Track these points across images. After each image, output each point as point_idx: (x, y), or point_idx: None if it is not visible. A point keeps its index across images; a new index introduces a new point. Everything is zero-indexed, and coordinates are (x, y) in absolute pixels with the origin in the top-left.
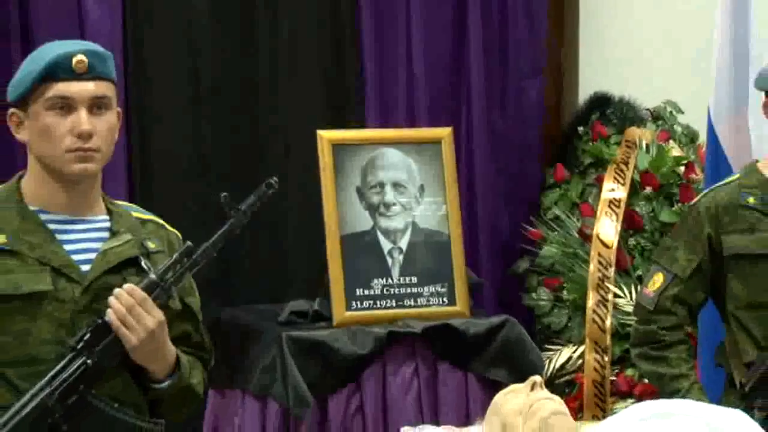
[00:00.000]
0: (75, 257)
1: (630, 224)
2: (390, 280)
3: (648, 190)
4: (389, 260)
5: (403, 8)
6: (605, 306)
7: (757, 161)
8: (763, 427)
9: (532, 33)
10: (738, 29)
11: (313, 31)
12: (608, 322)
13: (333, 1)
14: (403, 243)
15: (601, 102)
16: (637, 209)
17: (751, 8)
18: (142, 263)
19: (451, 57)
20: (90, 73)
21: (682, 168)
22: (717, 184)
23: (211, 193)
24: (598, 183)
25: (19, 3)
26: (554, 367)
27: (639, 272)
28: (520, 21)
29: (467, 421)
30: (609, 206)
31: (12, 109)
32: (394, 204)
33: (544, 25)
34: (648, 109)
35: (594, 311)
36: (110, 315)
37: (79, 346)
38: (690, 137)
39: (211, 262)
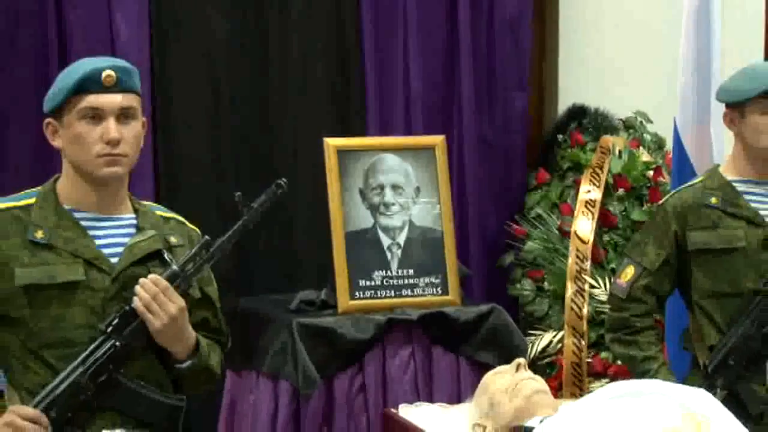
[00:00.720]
0: (105, 251)
1: (604, 222)
2: (389, 272)
3: (620, 191)
4: (388, 254)
5: (401, 30)
6: (582, 295)
7: (718, 165)
8: (723, 404)
9: (516, 51)
10: (701, 47)
11: (322, 50)
12: (585, 310)
13: (339, 24)
14: (401, 239)
15: (578, 113)
16: (611, 209)
17: (714, 28)
18: (165, 256)
19: (444, 72)
20: (118, 87)
21: (651, 172)
22: (682, 186)
23: (227, 194)
24: (576, 185)
25: (57, 26)
26: (536, 350)
27: (612, 265)
28: (506, 41)
29: (459, 399)
30: (585, 206)
31: (48, 119)
32: (393, 204)
33: (527, 45)
34: (620, 119)
35: (572, 300)
36: (136, 302)
37: (108, 330)
38: (658, 144)
39: (229, 255)
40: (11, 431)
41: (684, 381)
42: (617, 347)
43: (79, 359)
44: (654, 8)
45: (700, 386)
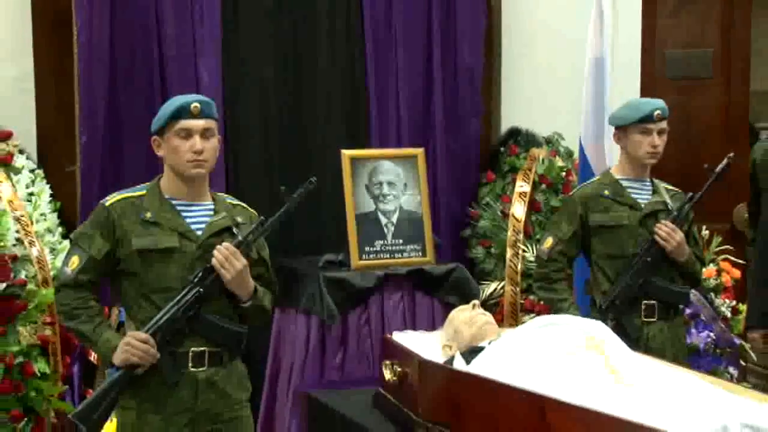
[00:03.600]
0: (192, 226)
1: (532, 207)
2: (386, 242)
3: (543, 186)
4: (385, 229)
5: (393, 73)
6: (517, 257)
7: (609, 169)
8: (613, 331)
9: (472, 89)
10: (597, 86)
11: (339, 87)
12: (519, 267)
13: (351, 70)
14: (394, 219)
15: (514, 133)
16: (537, 198)
17: (606, 73)
18: (234, 230)
19: (423, 104)
20: (201, 114)
21: (564, 173)
22: (585, 183)
23: (274, 188)
24: (513, 182)
25: (160, 73)
26: (486, 294)
27: (538, 237)
28: (465, 82)
29: (434, 328)
30: (519, 196)
31: (154, 137)
32: (388, 195)
33: (479, 85)
34: (543, 137)
35: (510, 260)
36: (214, 261)
37: (195, 281)
38: (568, 154)
39: (276, 229)
40: (130, 348)
41: (586, 316)
42: (541, 293)
43: (175, 300)
44: (565, 61)
45: (597, 319)
